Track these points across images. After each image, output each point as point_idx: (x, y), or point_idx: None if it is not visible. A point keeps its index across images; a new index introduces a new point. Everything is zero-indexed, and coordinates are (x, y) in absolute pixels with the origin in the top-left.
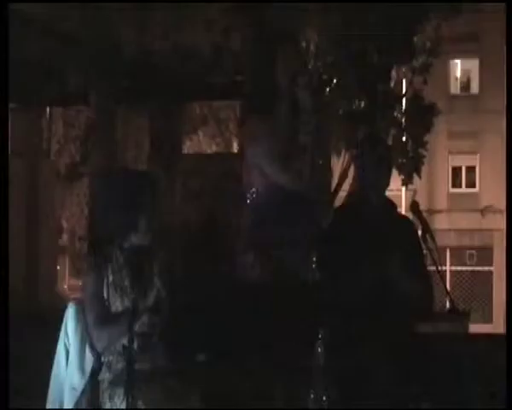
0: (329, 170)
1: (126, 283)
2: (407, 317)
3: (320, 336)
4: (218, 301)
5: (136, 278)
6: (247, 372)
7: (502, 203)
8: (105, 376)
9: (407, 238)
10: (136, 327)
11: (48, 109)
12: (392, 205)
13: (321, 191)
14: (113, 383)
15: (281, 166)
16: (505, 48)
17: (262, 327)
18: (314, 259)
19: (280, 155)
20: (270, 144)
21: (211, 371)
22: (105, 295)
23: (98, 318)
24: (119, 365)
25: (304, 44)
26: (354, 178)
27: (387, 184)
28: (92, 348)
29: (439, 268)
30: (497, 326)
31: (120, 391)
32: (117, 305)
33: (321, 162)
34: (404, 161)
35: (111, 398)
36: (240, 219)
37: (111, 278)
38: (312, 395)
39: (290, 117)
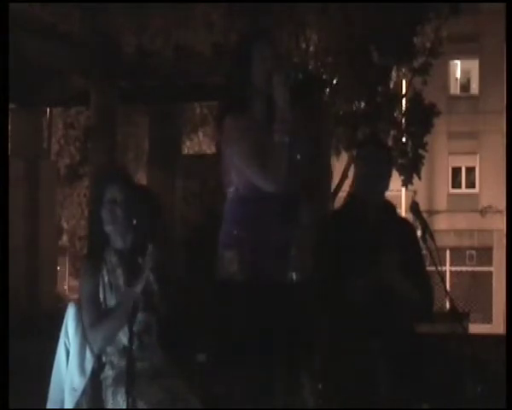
0: (329, 170)
1: (120, 282)
2: (407, 318)
3: (317, 337)
4: (206, 299)
5: (129, 277)
6: (236, 370)
7: (501, 203)
8: (108, 373)
9: (406, 239)
10: (134, 327)
11: (48, 109)
12: (391, 206)
13: (303, 190)
14: (116, 381)
15: (259, 166)
16: (505, 48)
17: (242, 326)
18: (309, 260)
19: (257, 154)
20: (248, 144)
21: (207, 371)
22: (101, 296)
23: (92, 319)
24: (122, 362)
25: (304, 45)
26: (354, 179)
27: (387, 186)
28: (92, 348)
29: (439, 269)
30: (497, 326)
31: (123, 390)
32: (112, 305)
33: (299, 159)
34: (404, 161)
35: (114, 396)
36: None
37: (106, 279)
38: (310, 395)
39: (267, 116)
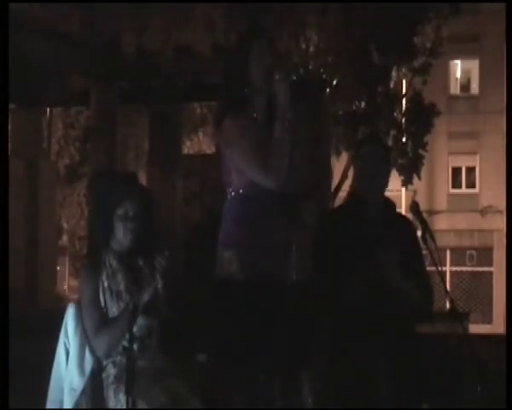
0: (329, 170)
1: (121, 287)
2: (407, 318)
3: (317, 337)
4: (206, 299)
5: (131, 281)
6: (236, 370)
7: (502, 203)
8: (110, 371)
9: (406, 238)
10: (135, 330)
11: (48, 109)
12: (390, 205)
13: (304, 190)
14: (117, 378)
15: (260, 164)
16: (505, 48)
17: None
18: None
19: (258, 153)
20: (248, 144)
21: (207, 371)
22: (102, 301)
23: (95, 326)
24: (124, 360)
25: (304, 45)
26: (353, 178)
27: (386, 184)
28: (92, 349)
29: (439, 269)
30: (497, 326)
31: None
32: (114, 311)
33: (298, 159)
34: (404, 161)
35: (116, 394)
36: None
37: (106, 284)
38: (310, 395)
39: (267, 115)
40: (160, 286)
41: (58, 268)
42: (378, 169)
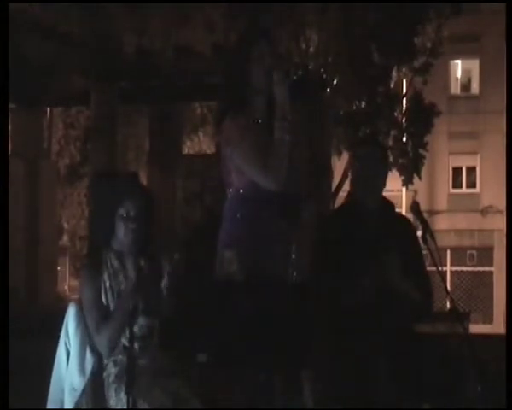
0: (330, 170)
1: (123, 287)
2: (407, 318)
3: (317, 337)
4: (206, 299)
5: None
6: (236, 370)
7: (502, 203)
8: (111, 371)
9: (406, 238)
10: (136, 329)
11: (48, 109)
12: (389, 205)
13: (304, 190)
14: (119, 377)
15: (260, 166)
16: (505, 48)
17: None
18: (296, 258)
19: (258, 154)
20: (248, 144)
21: (207, 371)
22: (104, 301)
23: (98, 324)
24: (125, 359)
25: (304, 45)
26: (352, 180)
27: (384, 185)
28: (93, 349)
29: (440, 269)
30: (497, 326)
31: None
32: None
33: (298, 159)
34: (405, 161)
35: (117, 393)
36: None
37: (108, 284)
38: (310, 395)
39: (267, 115)
40: (163, 286)
41: (58, 268)
42: (375, 170)
